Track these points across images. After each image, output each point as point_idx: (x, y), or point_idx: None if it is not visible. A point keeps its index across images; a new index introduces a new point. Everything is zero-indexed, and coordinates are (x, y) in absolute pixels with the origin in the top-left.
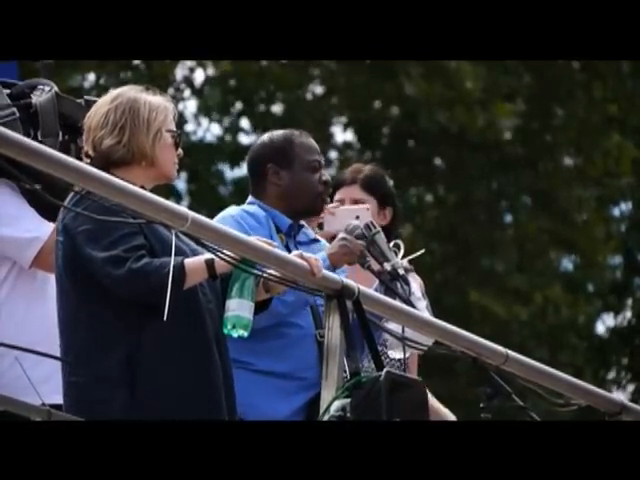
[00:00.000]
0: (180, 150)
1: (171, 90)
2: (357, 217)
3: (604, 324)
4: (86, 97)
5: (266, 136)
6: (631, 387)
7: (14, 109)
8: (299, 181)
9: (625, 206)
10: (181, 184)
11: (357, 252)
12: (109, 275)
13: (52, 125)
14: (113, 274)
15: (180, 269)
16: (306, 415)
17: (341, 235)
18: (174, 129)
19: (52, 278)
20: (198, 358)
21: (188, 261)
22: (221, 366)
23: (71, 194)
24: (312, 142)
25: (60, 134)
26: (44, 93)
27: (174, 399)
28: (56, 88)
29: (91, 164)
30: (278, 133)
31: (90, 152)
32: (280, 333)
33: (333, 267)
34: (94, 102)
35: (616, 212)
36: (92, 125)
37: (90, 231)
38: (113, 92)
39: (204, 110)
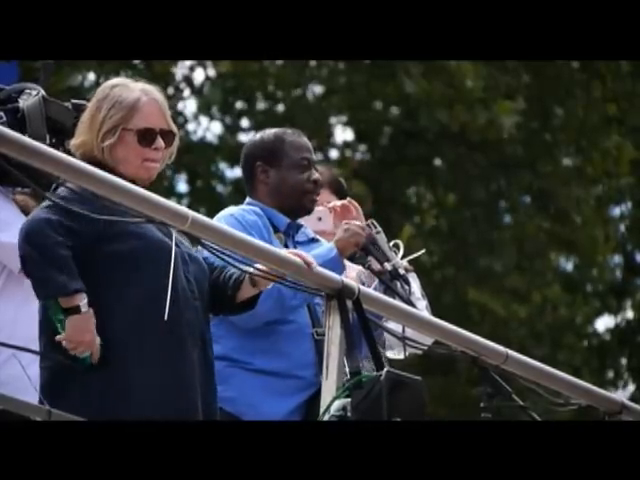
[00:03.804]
0: (158, 144)
1: (171, 89)
2: (319, 219)
3: (602, 325)
4: (73, 100)
5: (258, 135)
6: (630, 388)
7: (1, 113)
8: (287, 179)
9: (625, 206)
10: (182, 185)
11: (362, 232)
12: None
13: (39, 129)
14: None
15: (64, 293)
16: (304, 414)
17: (343, 223)
18: (142, 126)
19: None
20: (171, 354)
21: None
22: (201, 363)
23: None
24: (304, 140)
25: (47, 137)
26: (31, 97)
27: (145, 392)
28: (43, 92)
29: None
30: (270, 132)
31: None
32: (274, 330)
33: (341, 253)
34: (82, 105)
35: (616, 212)
36: None
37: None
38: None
39: (204, 109)
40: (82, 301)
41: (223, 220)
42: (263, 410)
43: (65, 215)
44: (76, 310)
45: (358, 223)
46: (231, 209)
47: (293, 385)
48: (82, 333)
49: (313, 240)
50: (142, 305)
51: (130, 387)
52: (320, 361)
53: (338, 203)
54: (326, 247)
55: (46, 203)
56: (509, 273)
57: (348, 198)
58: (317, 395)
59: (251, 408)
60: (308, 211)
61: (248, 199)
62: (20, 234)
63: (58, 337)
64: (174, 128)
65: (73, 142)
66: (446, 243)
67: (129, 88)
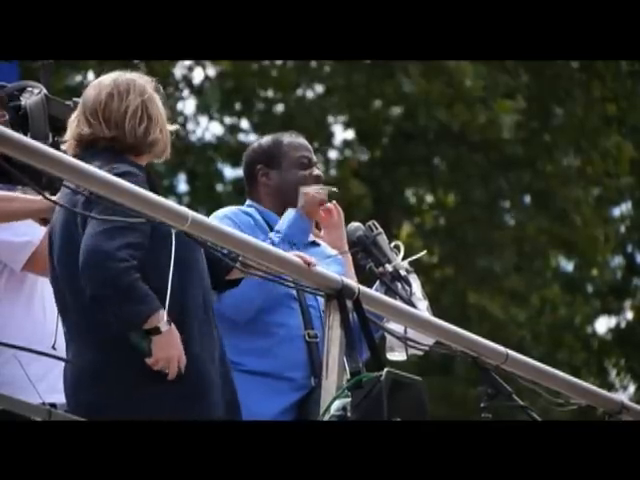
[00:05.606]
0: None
1: (170, 89)
2: None
3: (601, 325)
4: (75, 99)
5: (256, 142)
6: (630, 388)
7: (3, 111)
8: (288, 178)
9: (625, 206)
10: (182, 185)
11: (320, 192)
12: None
13: (41, 127)
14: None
15: (145, 317)
16: (294, 416)
17: (300, 189)
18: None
19: (40, 280)
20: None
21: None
22: (218, 358)
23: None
24: (301, 140)
25: (49, 136)
26: (33, 95)
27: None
28: (45, 90)
29: (109, 147)
30: (267, 137)
31: (108, 134)
32: (266, 332)
33: (309, 217)
34: None
35: (616, 212)
36: (114, 108)
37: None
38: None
39: (203, 109)
40: (161, 321)
41: (217, 220)
42: (254, 410)
43: (119, 232)
44: (156, 331)
45: (315, 187)
46: (226, 209)
47: (284, 386)
48: (168, 350)
49: (313, 243)
50: (200, 303)
51: (206, 387)
52: (311, 363)
53: None
54: (289, 213)
55: (98, 229)
56: (508, 275)
57: (333, 201)
58: (308, 397)
59: (242, 408)
60: None
61: (248, 201)
62: (82, 270)
63: (147, 361)
64: None
65: (104, 132)
66: (446, 243)
67: (139, 78)
